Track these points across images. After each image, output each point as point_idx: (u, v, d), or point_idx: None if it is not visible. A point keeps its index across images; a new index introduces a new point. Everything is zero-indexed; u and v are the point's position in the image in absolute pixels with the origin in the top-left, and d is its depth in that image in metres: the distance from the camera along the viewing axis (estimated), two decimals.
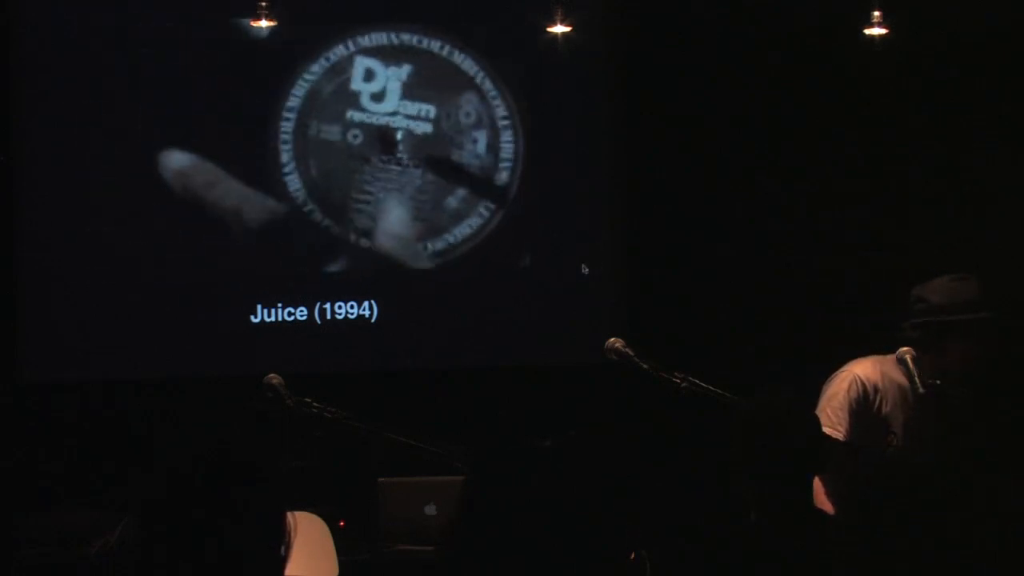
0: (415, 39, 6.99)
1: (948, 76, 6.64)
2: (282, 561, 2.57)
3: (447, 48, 7.00)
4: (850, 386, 4.77)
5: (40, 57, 6.62)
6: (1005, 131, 6.55)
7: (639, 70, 7.01)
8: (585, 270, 6.98)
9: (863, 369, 4.81)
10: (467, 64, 7.04)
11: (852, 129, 6.89)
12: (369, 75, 6.94)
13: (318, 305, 6.82)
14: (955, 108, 6.67)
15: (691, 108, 6.95)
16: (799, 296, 6.70)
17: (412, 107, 6.94)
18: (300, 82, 6.89)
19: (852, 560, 3.19)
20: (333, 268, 6.90)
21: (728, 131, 6.92)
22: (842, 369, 4.84)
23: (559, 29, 6.50)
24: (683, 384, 4.49)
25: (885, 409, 4.80)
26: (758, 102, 6.90)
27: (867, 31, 6.16)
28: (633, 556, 2.99)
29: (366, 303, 6.85)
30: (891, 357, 4.83)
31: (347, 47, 6.94)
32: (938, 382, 4.72)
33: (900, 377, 4.80)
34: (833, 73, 6.83)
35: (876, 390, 4.79)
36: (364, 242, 6.92)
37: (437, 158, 6.98)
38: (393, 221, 6.93)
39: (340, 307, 6.84)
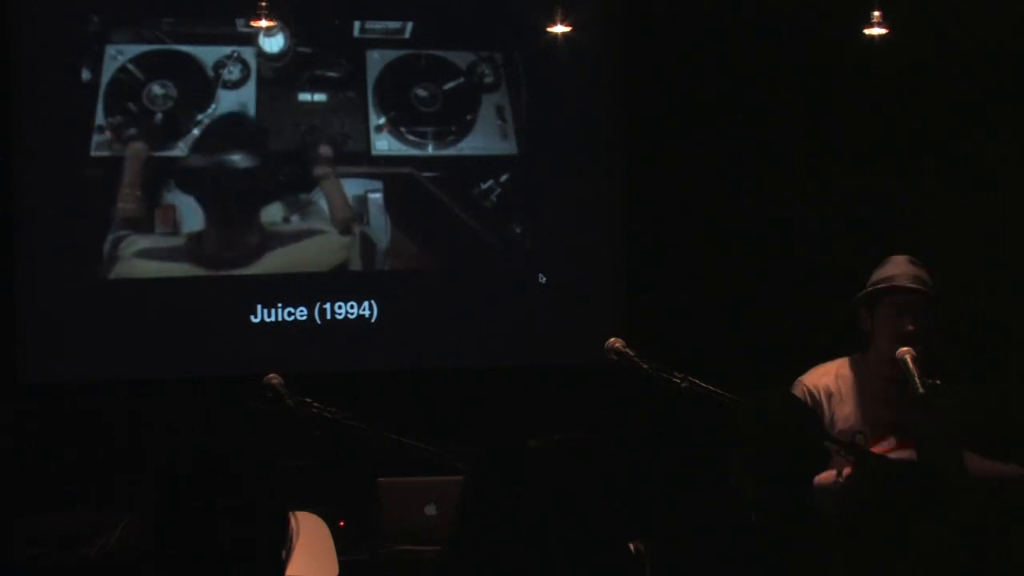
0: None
1: (949, 76, 6.65)
2: (284, 563, 2.57)
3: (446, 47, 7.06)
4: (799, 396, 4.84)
5: (40, 55, 6.61)
6: (1006, 131, 6.55)
7: (640, 70, 7.02)
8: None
9: (811, 378, 4.92)
10: (464, 63, 7.07)
11: (852, 130, 6.90)
12: None
13: (318, 305, 6.82)
14: (955, 108, 6.67)
15: (691, 108, 6.95)
16: (800, 296, 6.70)
17: None
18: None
19: (852, 560, 3.19)
20: (333, 268, 6.92)
21: (729, 132, 6.92)
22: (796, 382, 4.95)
23: (559, 29, 6.49)
24: (683, 384, 4.48)
25: (844, 410, 4.87)
26: (758, 102, 6.91)
27: (867, 31, 6.15)
28: (633, 547, 2.99)
29: (366, 303, 6.86)
30: (846, 359, 4.95)
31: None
32: (938, 382, 4.73)
33: (851, 374, 4.90)
34: (833, 73, 6.84)
35: (829, 394, 4.87)
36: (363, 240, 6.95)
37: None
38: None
39: (340, 307, 6.84)
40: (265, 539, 2.55)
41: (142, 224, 6.73)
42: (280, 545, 2.55)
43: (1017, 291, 6.40)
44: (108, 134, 6.71)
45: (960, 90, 6.64)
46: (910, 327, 4.79)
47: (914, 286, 4.84)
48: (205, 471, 2.58)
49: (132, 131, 6.74)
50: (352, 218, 6.92)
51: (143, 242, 6.72)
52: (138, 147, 6.74)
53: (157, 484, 2.59)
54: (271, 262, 6.83)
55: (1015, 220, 6.50)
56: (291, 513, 2.60)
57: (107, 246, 6.69)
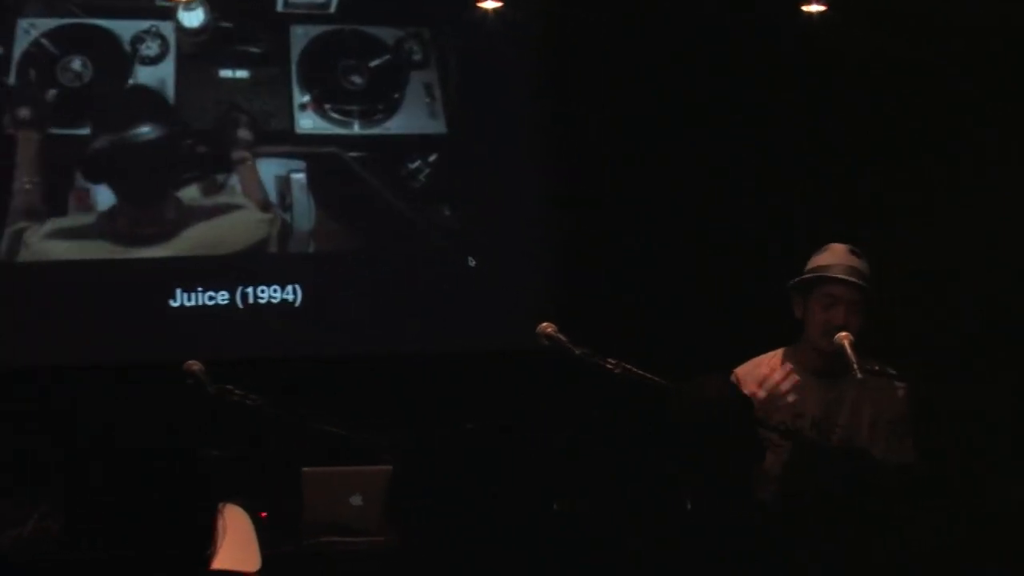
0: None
1: (888, 53, 6.67)
2: (209, 559, 2.55)
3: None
4: None
5: None
6: (945, 110, 6.59)
7: (572, 47, 7.00)
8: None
9: (744, 369, 4.98)
10: (392, 39, 7.08)
11: (790, 109, 6.93)
12: None
13: (240, 289, 6.81)
14: (895, 86, 6.71)
15: (626, 86, 6.96)
16: (736, 280, 6.74)
17: None
18: None
19: (790, 548, 3.24)
20: (254, 245, 6.90)
21: (665, 112, 6.94)
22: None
23: (489, 4, 6.50)
24: (617, 370, 4.49)
25: (772, 400, 4.90)
26: (694, 81, 6.92)
27: (805, 8, 6.21)
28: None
29: (289, 287, 6.85)
30: (780, 350, 5.00)
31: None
32: (876, 368, 4.80)
33: (781, 364, 4.95)
34: (771, 51, 6.87)
35: (759, 385, 4.89)
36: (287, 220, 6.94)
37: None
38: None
39: (263, 291, 6.83)
40: (185, 535, 2.52)
41: (55, 205, 6.70)
42: (203, 541, 2.53)
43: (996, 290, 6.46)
44: (20, 111, 6.66)
45: (900, 68, 6.68)
46: (839, 320, 4.83)
47: (848, 278, 4.87)
48: (120, 464, 2.56)
49: (45, 108, 6.70)
50: (268, 202, 6.91)
51: (56, 223, 6.68)
52: (51, 124, 6.70)
53: (68, 480, 2.56)
54: (188, 240, 6.80)
55: (1003, 218, 6.51)
56: (220, 506, 2.59)
57: (17, 227, 6.64)
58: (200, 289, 6.77)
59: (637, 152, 6.96)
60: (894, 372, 4.90)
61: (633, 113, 6.97)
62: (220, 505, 2.59)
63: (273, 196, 6.92)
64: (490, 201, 7.07)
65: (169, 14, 6.83)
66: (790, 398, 4.91)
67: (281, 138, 6.95)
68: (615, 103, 6.97)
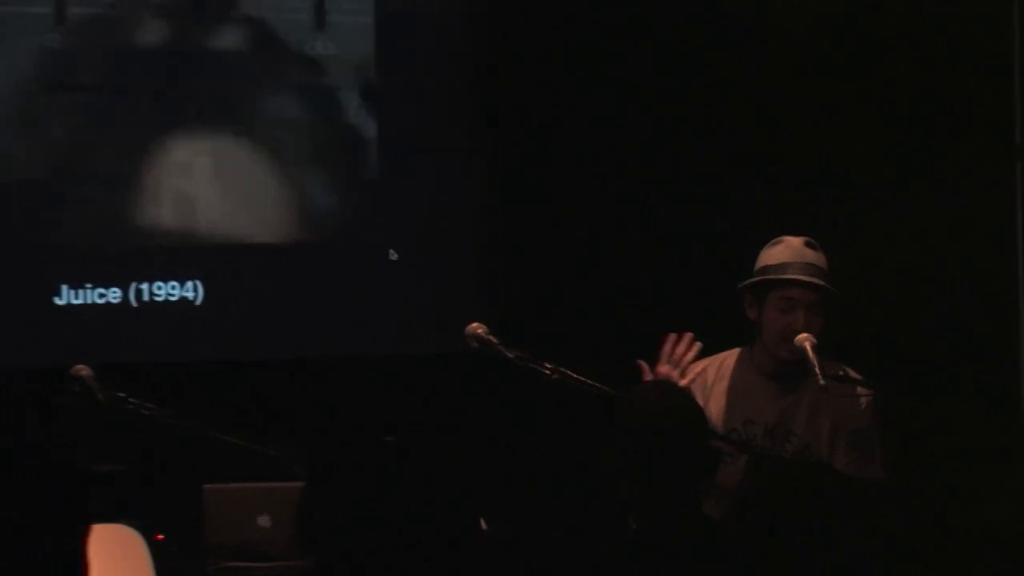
0: None
1: (854, 39, 6.72)
2: None
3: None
4: None
5: None
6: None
7: (506, 23, 6.96)
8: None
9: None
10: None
11: (744, 98, 6.90)
12: None
13: (133, 285, 6.69)
14: (857, 74, 6.73)
15: (568, 68, 6.91)
16: (688, 276, 6.71)
17: None
18: None
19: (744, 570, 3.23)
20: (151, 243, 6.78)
21: (609, 97, 6.89)
22: None
23: None
24: (554, 376, 4.49)
25: (720, 404, 4.95)
26: (644, 67, 6.88)
27: None
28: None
29: (189, 283, 6.73)
30: (736, 350, 5.03)
31: None
32: (841, 374, 4.78)
33: (735, 365, 4.99)
34: (732, 31, 6.84)
35: (706, 385, 4.95)
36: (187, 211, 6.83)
37: None
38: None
39: (159, 287, 6.71)
40: (43, 562, 2.42)
41: None
42: (68, 569, 2.42)
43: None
44: None
45: (864, 52, 6.73)
46: (799, 325, 4.78)
47: (807, 279, 4.81)
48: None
49: None
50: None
51: None
52: None
53: None
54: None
55: (998, 220, 6.58)
56: (100, 527, 2.49)
57: None
58: (89, 285, 6.66)
59: (577, 137, 6.93)
60: (859, 377, 4.94)
61: (574, 97, 6.93)
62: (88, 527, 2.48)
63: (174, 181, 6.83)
64: (413, 188, 6.99)
65: None
66: (739, 401, 4.90)
67: None
68: (554, 85, 6.93)
